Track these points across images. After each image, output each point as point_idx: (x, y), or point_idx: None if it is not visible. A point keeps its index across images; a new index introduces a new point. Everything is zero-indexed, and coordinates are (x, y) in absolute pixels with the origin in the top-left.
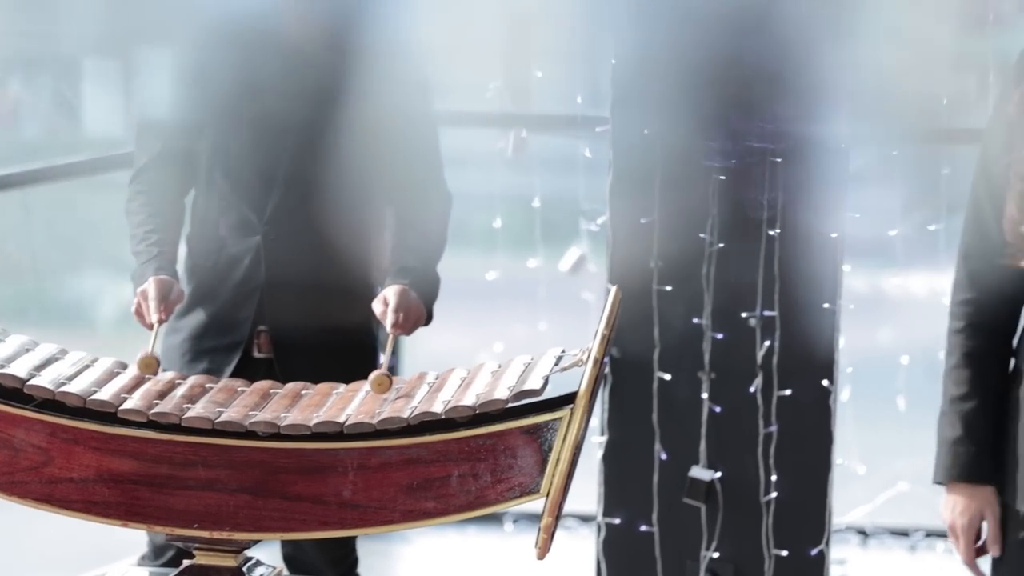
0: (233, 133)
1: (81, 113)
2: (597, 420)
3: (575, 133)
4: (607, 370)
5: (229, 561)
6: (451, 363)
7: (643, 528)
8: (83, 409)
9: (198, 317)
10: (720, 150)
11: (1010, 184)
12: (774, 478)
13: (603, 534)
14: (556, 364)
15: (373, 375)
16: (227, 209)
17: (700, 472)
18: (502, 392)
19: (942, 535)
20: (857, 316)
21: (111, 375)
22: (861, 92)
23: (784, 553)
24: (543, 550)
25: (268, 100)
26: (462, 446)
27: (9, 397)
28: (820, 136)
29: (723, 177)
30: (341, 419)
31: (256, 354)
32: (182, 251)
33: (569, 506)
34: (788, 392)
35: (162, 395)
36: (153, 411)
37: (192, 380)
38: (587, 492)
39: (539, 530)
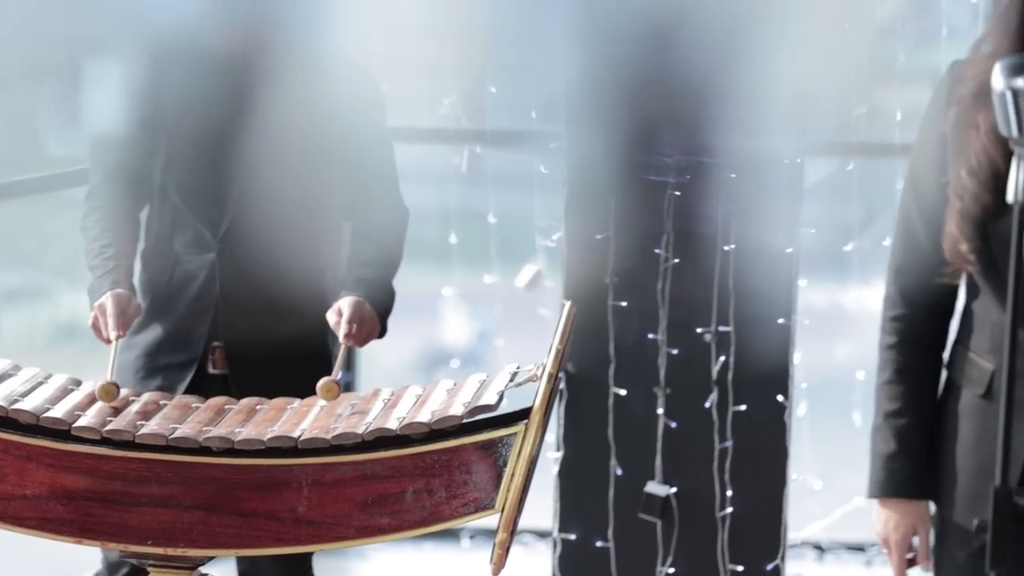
0: (185, 150)
1: (37, 130)
2: (552, 436)
3: (530, 149)
4: (562, 385)
5: None
6: (407, 379)
7: (599, 543)
8: (36, 426)
9: (152, 334)
10: (674, 166)
11: (947, 202)
12: (729, 493)
13: (559, 549)
14: (511, 380)
15: (321, 382)
16: (181, 225)
17: (656, 487)
18: (457, 408)
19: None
20: (813, 331)
21: (65, 392)
22: (813, 107)
23: (740, 568)
24: (498, 566)
25: (220, 117)
26: (417, 462)
27: None
28: (774, 151)
29: (678, 193)
30: (296, 434)
31: (211, 370)
32: (137, 267)
33: (525, 521)
34: (743, 407)
35: (116, 412)
36: (107, 428)
37: (146, 397)
38: (543, 507)
39: (494, 546)
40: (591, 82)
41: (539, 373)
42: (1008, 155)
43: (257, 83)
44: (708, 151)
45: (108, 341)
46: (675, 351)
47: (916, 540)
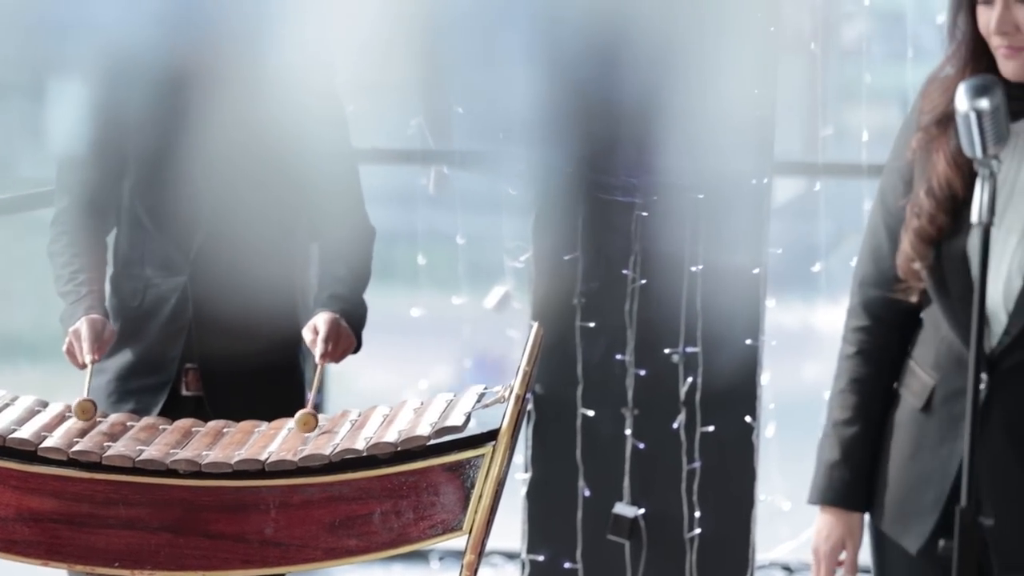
0: (154, 172)
1: (5, 151)
2: (520, 457)
3: (497, 170)
4: (530, 407)
5: None
6: (376, 400)
7: (567, 565)
8: (3, 447)
9: (124, 357)
10: (641, 187)
11: (906, 221)
12: (698, 514)
13: (527, 571)
14: (478, 401)
15: (299, 414)
16: (151, 248)
17: (624, 508)
18: (424, 429)
19: (867, 572)
20: (781, 351)
21: (31, 413)
22: (780, 128)
23: None
24: None
25: (186, 138)
26: (384, 483)
27: None
28: (741, 172)
29: (645, 214)
30: (263, 456)
31: (184, 392)
32: (106, 290)
33: (493, 543)
34: (711, 428)
35: (83, 433)
36: (73, 449)
37: (113, 418)
38: (511, 529)
39: (462, 567)
40: (553, 104)
41: (507, 394)
42: (967, 179)
43: (220, 104)
44: (675, 172)
45: (83, 366)
46: (643, 372)
47: (844, 555)
